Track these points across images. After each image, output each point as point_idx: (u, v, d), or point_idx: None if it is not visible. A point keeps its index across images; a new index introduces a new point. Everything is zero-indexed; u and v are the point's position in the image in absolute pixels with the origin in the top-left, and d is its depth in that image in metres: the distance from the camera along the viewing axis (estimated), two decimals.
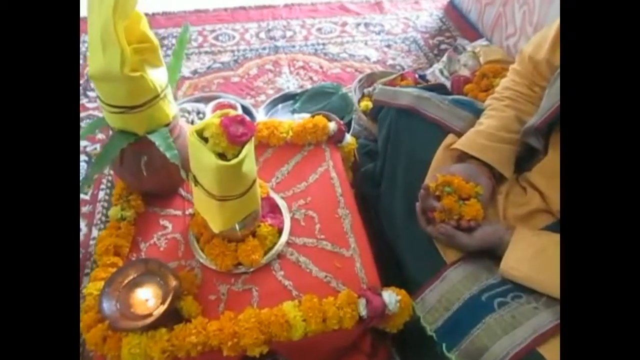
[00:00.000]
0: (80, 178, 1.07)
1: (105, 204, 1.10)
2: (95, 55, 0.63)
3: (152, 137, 0.70)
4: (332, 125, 0.98)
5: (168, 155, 0.67)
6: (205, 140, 0.62)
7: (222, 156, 0.62)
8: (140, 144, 0.73)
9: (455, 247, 0.77)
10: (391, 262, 0.89)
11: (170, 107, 0.75)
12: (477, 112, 0.90)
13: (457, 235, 0.75)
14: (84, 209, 1.09)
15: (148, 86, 0.68)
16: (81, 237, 1.03)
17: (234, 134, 0.60)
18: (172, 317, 0.70)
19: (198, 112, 1.29)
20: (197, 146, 0.61)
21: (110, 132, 0.75)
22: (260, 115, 1.29)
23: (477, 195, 0.77)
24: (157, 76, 0.70)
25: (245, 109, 1.31)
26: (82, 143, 1.22)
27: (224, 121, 0.60)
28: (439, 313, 0.73)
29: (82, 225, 1.06)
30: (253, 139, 0.63)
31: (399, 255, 0.88)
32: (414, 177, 0.87)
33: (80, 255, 0.99)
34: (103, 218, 1.07)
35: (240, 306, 0.73)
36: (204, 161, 0.61)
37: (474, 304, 0.70)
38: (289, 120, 1.26)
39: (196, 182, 0.66)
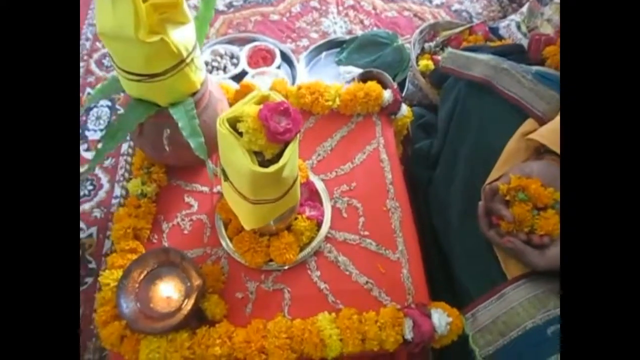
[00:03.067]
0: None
1: (129, 159, 1.01)
2: (103, 8, 0.49)
3: (173, 113, 0.58)
4: (386, 95, 0.83)
5: (192, 144, 0.55)
6: (239, 132, 0.49)
7: (258, 154, 0.50)
8: (162, 115, 0.62)
9: (520, 261, 0.65)
10: (439, 263, 0.79)
11: (198, 74, 0.62)
12: None
13: (526, 252, 0.63)
14: (106, 163, 1.01)
15: (170, 51, 0.54)
16: (103, 195, 0.97)
17: (275, 131, 0.47)
18: (195, 316, 0.63)
19: (232, 57, 1.15)
20: (228, 141, 0.49)
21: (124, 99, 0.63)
22: (301, 65, 1.13)
23: (555, 204, 0.63)
24: (182, 37, 0.56)
25: (285, 56, 1.15)
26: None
27: (263, 112, 0.47)
28: (493, 337, 0.63)
29: (105, 181, 0.99)
30: (298, 135, 0.50)
31: (450, 258, 0.77)
32: (478, 168, 0.73)
33: (102, 216, 0.93)
34: (126, 174, 0.99)
35: (269, 309, 0.65)
36: (235, 161, 0.49)
37: (537, 337, 0.60)
38: (335, 74, 1.11)
39: (226, 177, 0.55)
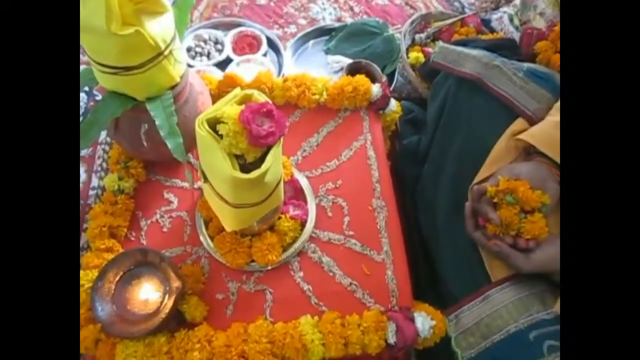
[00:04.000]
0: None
1: (107, 147, 0.97)
2: None
3: (150, 109, 0.55)
4: (375, 89, 0.80)
5: (169, 145, 0.53)
6: (219, 134, 0.47)
7: (239, 157, 0.47)
8: (139, 109, 0.58)
9: (506, 264, 0.65)
10: (424, 262, 0.78)
11: (177, 67, 0.58)
12: (558, 92, 0.71)
13: (512, 256, 0.62)
14: (82, 152, 0.97)
15: (147, 43, 0.51)
16: (81, 186, 0.93)
17: (257, 134, 0.45)
18: (174, 318, 0.61)
19: (216, 42, 1.10)
20: (208, 144, 0.46)
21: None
22: (288, 53, 1.09)
23: (543, 206, 0.63)
24: (160, 28, 0.52)
25: (271, 43, 1.11)
26: None
27: (245, 114, 0.44)
28: (475, 339, 0.63)
29: (81, 171, 0.95)
30: (282, 138, 0.48)
31: (435, 258, 0.76)
32: (467, 166, 0.72)
33: (80, 209, 0.90)
34: (104, 165, 0.95)
35: (251, 311, 0.64)
36: (215, 164, 0.47)
37: (519, 341, 0.60)
38: (322, 63, 1.08)
39: (205, 178, 0.53)
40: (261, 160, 0.47)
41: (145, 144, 0.62)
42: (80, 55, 0.94)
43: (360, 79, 0.80)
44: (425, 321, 0.62)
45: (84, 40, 0.50)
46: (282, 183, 0.57)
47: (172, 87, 0.60)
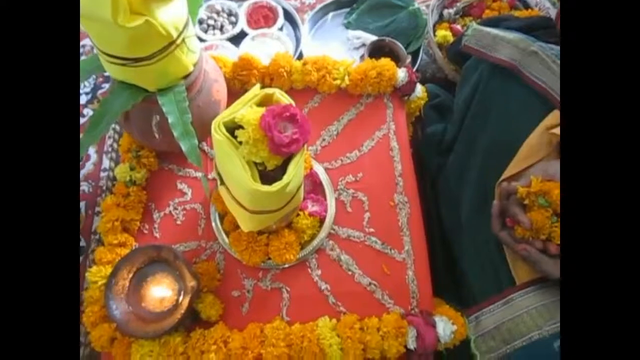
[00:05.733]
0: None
1: (118, 127, 0.94)
2: None
3: (162, 104, 0.51)
4: (401, 74, 0.75)
5: (183, 147, 0.49)
6: (237, 139, 0.43)
7: (259, 163, 0.44)
8: (150, 99, 0.54)
9: (533, 269, 0.62)
10: (444, 256, 0.76)
11: (190, 56, 0.54)
12: None
13: (541, 262, 0.59)
14: None
15: (157, 33, 0.46)
16: (91, 167, 0.91)
17: (280, 142, 0.41)
18: (189, 317, 0.60)
19: (229, 14, 1.04)
20: (225, 149, 0.43)
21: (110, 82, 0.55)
22: (305, 28, 1.02)
23: None
24: (171, 15, 0.47)
25: (288, 15, 1.04)
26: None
27: (266, 120, 0.40)
28: (496, 344, 0.61)
29: (92, 152, 0.92)
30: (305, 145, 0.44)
31: (456, 254, 0.74)
32: (495, 160, 0.68)
33: (91, 190, 0.88)
34: (115, 145, 0.92)
35: (267, 309, 0.62)
36: (233, 171, 0.43)
37: (542, 350, 0.58)
38: (342, 39, 1.02)
39: (222, 181, 0.49)
40: (282, 167, 0.44)
41: (157, 135, 0.58)
42: (82, 43, 0.90)
43: (386, 62, 0.74)
44: (446, 326, 0.60)
45: (90, 29, 0.46)
46: (302, 188, 0.54)
47: (185, 77, 0.56)
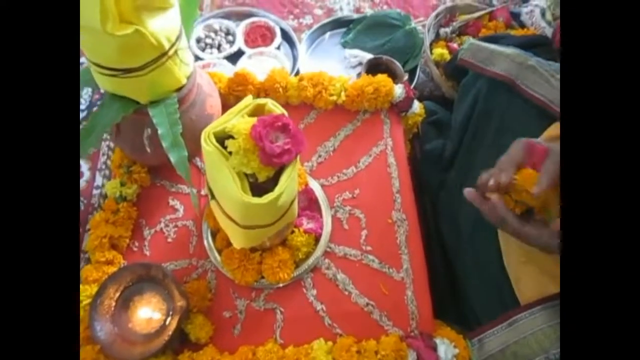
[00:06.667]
0: None
1: (112, 144, 0.92)
2: None
3: (153, 116, 0.50)
4: (398, 90, 0.74)
5: (172, 159, 0.48)
6: (227, 149, 0.41)
7: (250, 175, 0.42)
8: (142, 112, 0.53)
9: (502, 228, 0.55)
10: (445, 276, 0.73)
11: (183, 68, 0.53)
12: None
13: (507, 218, 0.51)
14: None
15: (148, 43, 0.45)
16: (83, 185, 0.89)
17: (271, 152, 0.39)
18: (177, 338, 0.57)
19: (227, 33, 1.04)
20: (215, 160, 0.41)
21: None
22: (303, 46, 1.02)
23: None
24: (163, 25, 0.47)
25: (286, 34, 1.05)
26: None
27: (257, 130, 0.39)
28: None
29: (85, 169, 0.90)
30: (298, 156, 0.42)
31: (458, 272, 0.71)
32: None
33: (82, 208, 0.86)
34: (108, 162, 0.90)
35: (260, 331, 0.59)
36: (223, 183, 0.42)
37: None
38: (339, 57, 1.02)
39: (212, 196, 0.48)
40: (274, 180, 0.42)
41: (148, 149, 0.57)
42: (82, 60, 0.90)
43: (382, 78, 0.73)
44: (448, 349, 0.57)
45: (79, 38, 0.45)
46: (296, 203, 0.52)
47: (178, 90, 0.55)
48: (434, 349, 0.56)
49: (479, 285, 0.66)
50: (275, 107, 0.43)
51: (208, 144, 0.41)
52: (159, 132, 0.49)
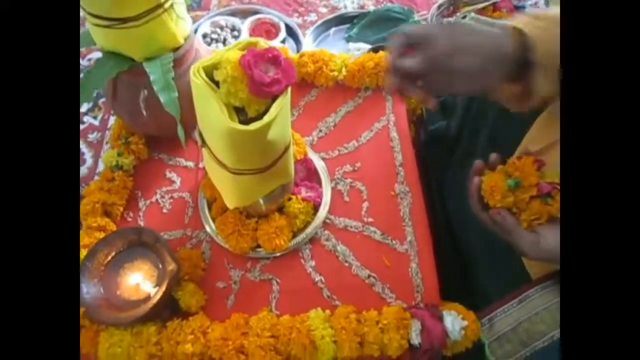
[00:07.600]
0: None
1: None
2: None
3: (147, 67, 0.49)
4: None
5: (162, 99, 0.47)
6: (217, 84, 0.40)
7: (239, 111, 0.41)
8: (138, 72, 0.53)
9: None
10: (452, 257, 0.70)
11: (180, 24, 0.53)
12: None
13: (515, 231, 0.47)
14: (91, 137, 0.93)
15: None
16: (85, 171, 0.89)
17: (260, 80, 0.38)
18: (167, 306, 0.55)
19: (233, 29, 1.06)
20: (203, 94, 0.40)
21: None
22: (308, 41, 1.03)
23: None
24: None
25: (290, 30, 1.06)
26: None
27: (246, 58, 0.38)
28: (513, 347, 0.54)
29: (88, 156, 0.90)
30: (290, 89, 0.41)
31: (466, 252, 0.68)
32: (499, 152, 0.64)
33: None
34: None
35: (254, 302, 0.56)
36: (211, 118, 0.40)
37: None
38: (343, 51, 1.02)
39: (203, 142, 0.46)
40: (265, 115, 0.40)
41: (144, 112, 0.56)
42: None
43: (384, 54, 0.73)
44: (455, 321, 0.53)
45: None
46: (291, 154, 0.51)
47: (175, 50, 0.54)
48: (440, 319, 0.52)
49: (488, 263, 0.63)
50: (267, 44, 0.42)
51: (197, 77, 0.40)
52: (151, 78, 0.48)
